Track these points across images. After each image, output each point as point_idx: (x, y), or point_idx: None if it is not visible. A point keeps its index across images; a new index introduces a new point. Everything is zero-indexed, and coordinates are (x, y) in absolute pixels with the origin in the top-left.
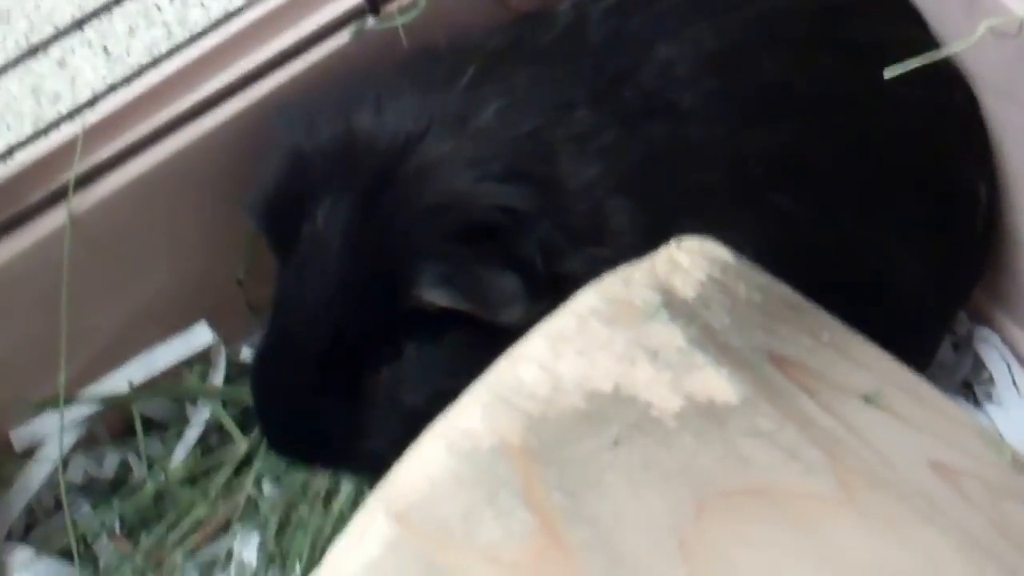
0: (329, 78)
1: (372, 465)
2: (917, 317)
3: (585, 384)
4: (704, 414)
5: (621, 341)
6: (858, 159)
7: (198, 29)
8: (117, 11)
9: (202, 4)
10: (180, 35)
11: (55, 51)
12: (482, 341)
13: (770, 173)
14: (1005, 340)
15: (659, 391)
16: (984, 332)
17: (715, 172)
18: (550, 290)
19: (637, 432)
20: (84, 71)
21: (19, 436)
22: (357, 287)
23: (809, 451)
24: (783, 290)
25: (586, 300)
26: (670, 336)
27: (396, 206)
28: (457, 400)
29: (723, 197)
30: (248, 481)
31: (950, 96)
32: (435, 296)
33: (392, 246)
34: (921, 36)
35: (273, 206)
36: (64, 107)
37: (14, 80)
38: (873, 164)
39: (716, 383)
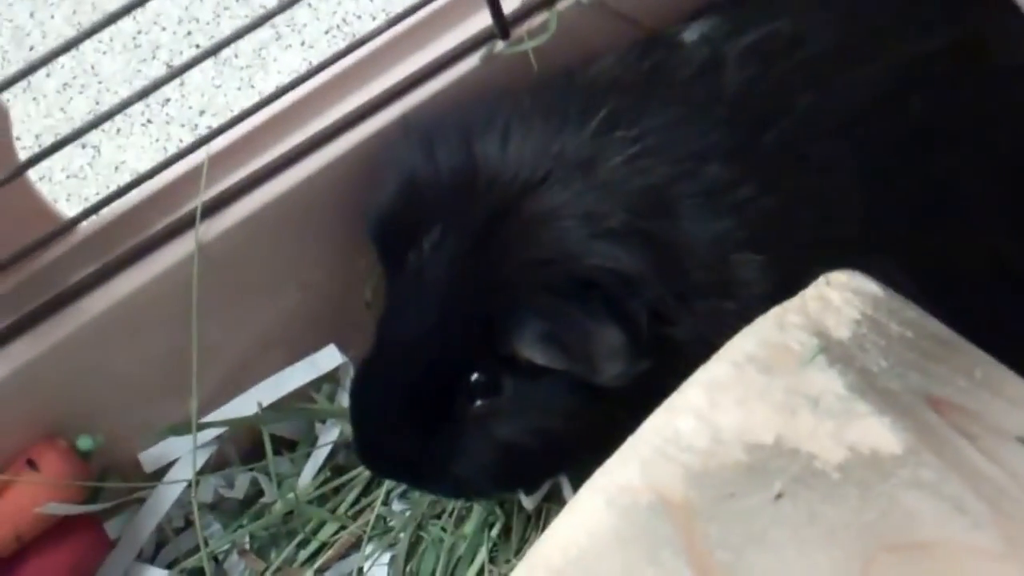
0: (457, 103)
1: (459, 490)
2: None
3: (745, 436)
4: (867, 465)
5: (780, 389)
6: (1000, 173)
7: (307, 29)
8: (224, 14)
9: (310, 5)
10: (288, 36)
11: (163, 54)
12: (582, 387)
13: (915, 214)
14: None
15: (822, 442)
16: None
17: (851, 224)
18: (655, 351)
19: (801, 485)
20: (193, 74)
21: (149, 457)
22: (456, 324)
23: (974, 503)
24: (933, 325)
25: (741, 346)
26: (829, 383)
27: (505, 251)
28: (615, 453)
29: (859, 247)
30: (377, 499)
31: None
32: (534, 353)
33: (496, 292)
34: None
35: (385, 225)
36: (173, 110)
37: (124, 84)
38: (1011, 173)
39: (878, 433)
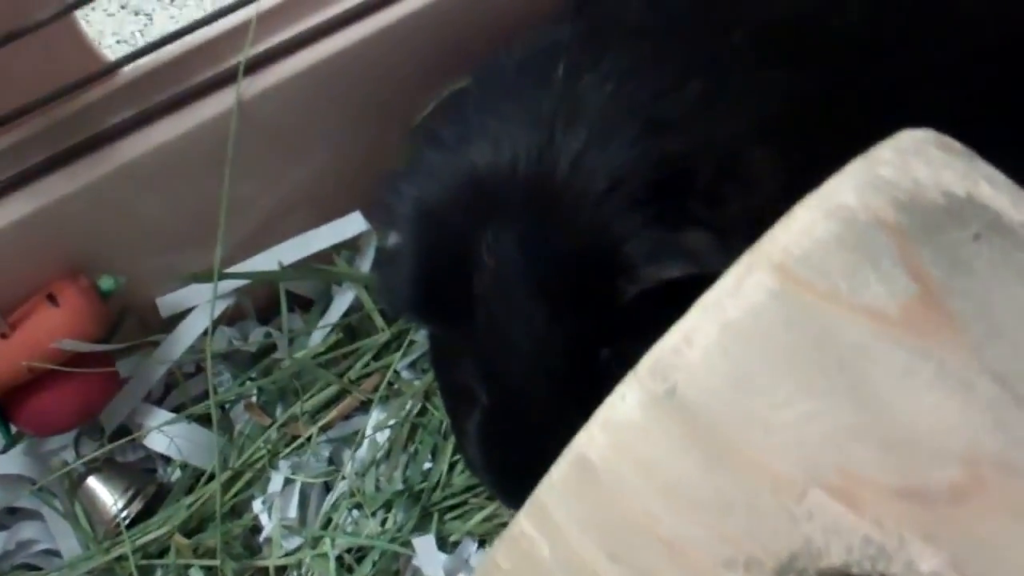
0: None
1: None
2: None
3: (940, 187)
4: None
5: (960, 164)
6: (951, 75)
7: None
8: None
9: None
10: None
11: None
12: None
13: (883, 110)
14: None
15: (1004, 205)
16: None
17: (836, 116)
18: (728, 236)
19: (993, 232)
20: None
21: (166, 303)
22: (567, 309)
23: None
24: None
25: (914, 133)
26: (994, 172)
27: (569, 208)
28: (825, 183)
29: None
30: (388, 366)
31: None
32: (654, 271)
33: (586, 250)
34: None
35: (429, 285)
36: None
37: None
38: (965, 75)
39: None
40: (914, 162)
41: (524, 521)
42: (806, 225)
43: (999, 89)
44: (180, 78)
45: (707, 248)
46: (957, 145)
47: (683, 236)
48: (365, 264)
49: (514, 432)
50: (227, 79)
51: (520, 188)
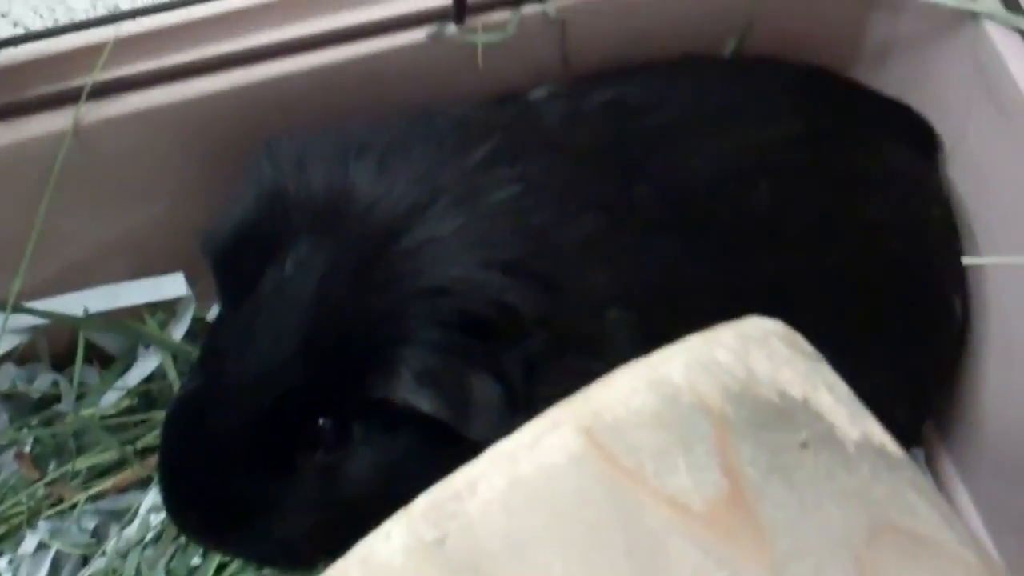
0: (389, 75)
1: (283, 554)
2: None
3: (777, 384)
4: (877, 453)
5: (803, 364)
6: (840, 283)
7: None
8: None
9: None
10: None
11: None
12: (439, 444)
13: (762, 304)
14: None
15: (840, 419)
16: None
17: (714, 299)
18: (523, 409)
19: (823, 444)
20: None
21: None
22: (320, 356)
23: (956, 522)
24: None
25: (762, 322)
26: (837, 380)
27: (389, 278)
28: (656, 352)
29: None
30: None
31: (928, 213)
32: (415, 398)
33: (375, 324)
34: (902, 158)
35: (237, 241)
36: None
37: None
38: (853, 286)
39: (882, 435)
40: (755, 352)
41: None
42: (624, 393)
43: (885, 304)
44: (18, 86)
45: (488, 407)
46: (805, 344)
47: (469, 380)
48: (178, 331)
49: (195, 427)
50: (70, 99)
51: (366, 227)
